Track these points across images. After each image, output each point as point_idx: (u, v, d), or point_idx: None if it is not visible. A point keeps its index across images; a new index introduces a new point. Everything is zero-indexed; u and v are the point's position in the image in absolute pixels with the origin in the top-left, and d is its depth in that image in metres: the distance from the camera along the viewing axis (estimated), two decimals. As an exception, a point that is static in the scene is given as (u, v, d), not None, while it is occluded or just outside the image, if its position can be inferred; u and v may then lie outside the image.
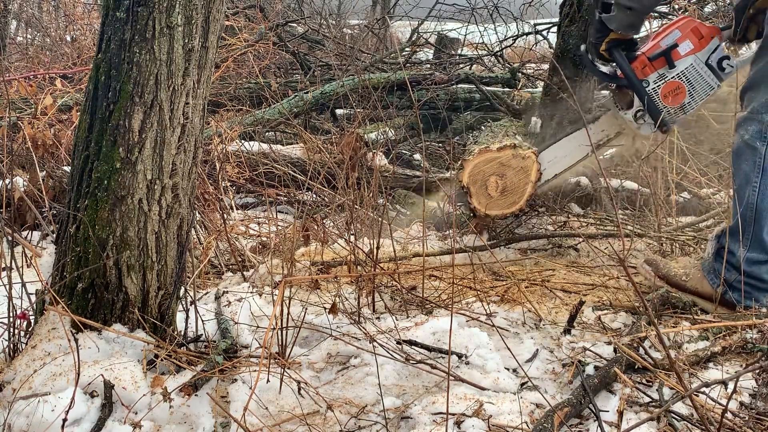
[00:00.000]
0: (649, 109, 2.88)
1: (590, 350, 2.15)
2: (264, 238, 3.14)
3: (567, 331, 2.33)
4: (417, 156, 4.50)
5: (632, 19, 2.68)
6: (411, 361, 2.02)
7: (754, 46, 2.75)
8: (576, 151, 3.13)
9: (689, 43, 2.81)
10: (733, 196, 2.43)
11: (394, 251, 2.70)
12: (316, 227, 3.09)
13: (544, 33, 6.96)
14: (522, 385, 1.98)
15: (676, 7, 5.14)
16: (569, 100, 3.21)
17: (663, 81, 2.85)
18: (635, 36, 2.83)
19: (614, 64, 2.85)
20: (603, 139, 3.11)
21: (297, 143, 4.26)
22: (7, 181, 2.89)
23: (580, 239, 3.21)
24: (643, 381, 2.00)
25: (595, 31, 2.79)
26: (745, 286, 2.38)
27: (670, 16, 5.07)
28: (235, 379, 1.92)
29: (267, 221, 3.31)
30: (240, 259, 2.88)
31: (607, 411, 1.82)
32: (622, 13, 2.64)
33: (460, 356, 2.09)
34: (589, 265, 3.02)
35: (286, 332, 2.05)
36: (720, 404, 1.80)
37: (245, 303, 2.41)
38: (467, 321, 2.38)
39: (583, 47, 2.92)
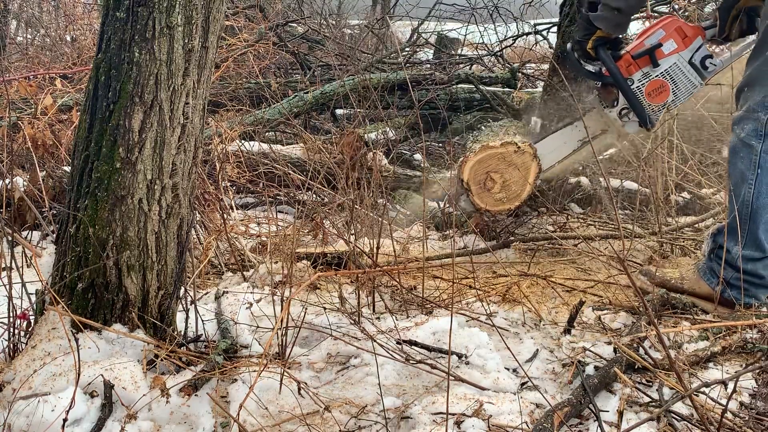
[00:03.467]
0: (633, 107, 2.90)
1: (590, 350, 2.15)
2: (264, 238, 3.13)
3: (567, 331, 2.33)
4: (417, 156, 4.50)
5: (619, 19, 2.70)
6: (411, 361, 2.02)
7: (734, 47, 2.79)
8: (562, 147, 3.15)
9: (673, 43, 2.84)
10: (729, 194, 2.43)
11: (395, 251, 2.70)
12: (318, 226, 3.09)
13: (544, 33, 6.96)
14: (522, 385, 1.98)
15: (677, 7, 5.14)
16: (570, 99, 3.22)
17: (647, 79, 2.88)
18: (621, 35, 2.85)
19: (599, 62, 2.87)
20: (587, 137, 3.13)
21: (297, 143, 4.26)
22: (7, 181, 2.89)
23: (580, 239, 3.21)
24: (643, 381, 2.00)
25: (582, 30, 2.81)
26: (743, 284, 2.38)
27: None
28: (235, 379, 1.92)
29: (267, 221, 3.30)
30: (240, 259, 2.88)
31: (607, 411, 1.82)
32: (609, 13, 2.67)
33: (460, 356, 2.09)
34: (589, 268, 3.01)
35: (286, 332, 2.05)
36: (720, 404, 1.80)
37: (245, 303, 2.41)
38: (467, 321, 2.38)
39: (569, 45, 2.93)
